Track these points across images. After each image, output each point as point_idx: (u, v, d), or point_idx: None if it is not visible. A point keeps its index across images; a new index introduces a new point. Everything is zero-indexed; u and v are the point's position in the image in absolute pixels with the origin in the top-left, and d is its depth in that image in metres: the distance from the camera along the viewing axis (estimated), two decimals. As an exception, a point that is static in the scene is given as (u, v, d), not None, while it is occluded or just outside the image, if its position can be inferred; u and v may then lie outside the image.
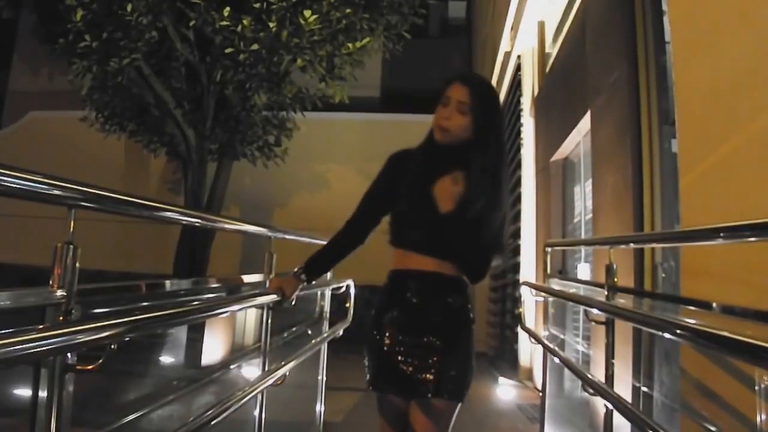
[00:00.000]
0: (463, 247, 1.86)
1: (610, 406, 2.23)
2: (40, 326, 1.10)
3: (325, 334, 3.51)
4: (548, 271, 3.80)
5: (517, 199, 7.29)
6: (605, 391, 2.21)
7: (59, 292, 1.18)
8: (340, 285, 3.53)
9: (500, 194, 1.88)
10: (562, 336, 4.66)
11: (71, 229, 1.22)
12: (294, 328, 4.38)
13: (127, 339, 1.22)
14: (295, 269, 2.05)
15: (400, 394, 1.88)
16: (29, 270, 5.11)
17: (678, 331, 1.50)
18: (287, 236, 2.93)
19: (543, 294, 3.76)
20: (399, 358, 1.85)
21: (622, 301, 2.57)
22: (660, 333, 1.75)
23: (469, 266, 1.91)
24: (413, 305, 1.88)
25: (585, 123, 4.52)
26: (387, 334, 1.89)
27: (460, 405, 1.87)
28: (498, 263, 1.95)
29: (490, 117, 1.87)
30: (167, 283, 2.18)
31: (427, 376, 1.81)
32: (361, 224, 2.03)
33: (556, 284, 3.75)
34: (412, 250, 1.90)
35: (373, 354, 1.93)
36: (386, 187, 1.97)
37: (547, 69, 6.49)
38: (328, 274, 3.45)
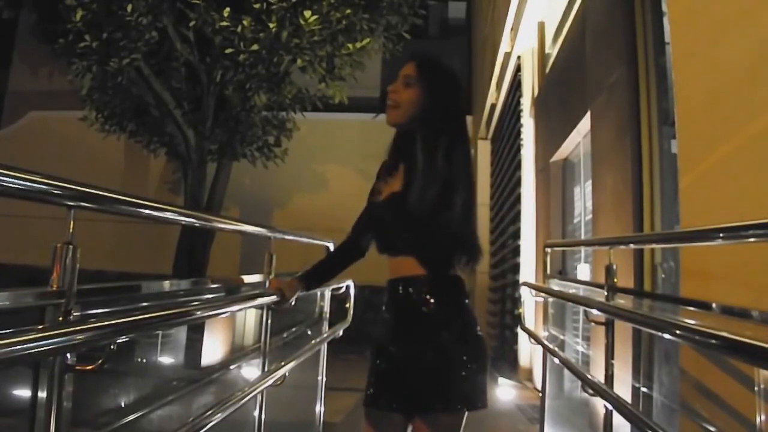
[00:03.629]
0: (429, 240, 1.74)
1: (610, 407, 2.22)
2: (40, 326, 1.10)
3: (325, 335, 3.51)
4: (548, 271, 3.79)
5: (517, 200, 7.29)
6: (605, 391, 2.21)
7: (59, 293, 1.18)
8: (340, 285, 3.53)
9: (455, 172, 1.73)
10: (561, 336, 4.66)
11: (71, 229, 1.21)
12: (294, 329, 4.38)
13: (127, 339, 1.22)
14: (298, 274, 2.03)
15: (403, 412, 1.75)
16: (29, 270, 5.11)
17: (677, 332, 1.49)
18: (287, 237, 2.92)
19: (543, 294, 3.76)
20: (402, 372, 1.74)
21: (622, 301, 2.57)
22: (659, 333, 1.74)
23: (434, 258, 1.78)
24: (401, 314, 1.79)
25: (585, 123, 4.52)
26: (387, 347, 1.80)
27: (466, 414, 1.74)
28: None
29: (436, 89, 1.79)
30: (167, 283, 2.18)
31: (435, 387, 1.70)
32: (358, 240, 1.99)
33: (555, 285, 3.74)
34: (392, 255, 1.82)
35: (375, 369, 1.82)
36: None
37: (547, 69, 6.49)
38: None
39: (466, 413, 1.73)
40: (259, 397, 2.37)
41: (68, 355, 1.19)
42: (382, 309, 1.87)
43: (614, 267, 2.51)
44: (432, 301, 1.76)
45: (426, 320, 1.75)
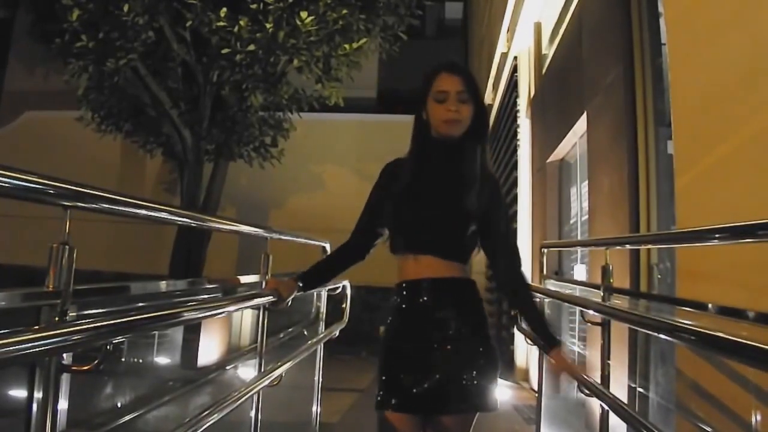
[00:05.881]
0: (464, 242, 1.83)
1: (606, 407, 2.23)
2: (36, 327, 1.10)
3: (322, 335, 3.51)
4: (544, 272, 3.80)
5: (514, 201, 7.30)
6: (601, 391, 2.21)
7: (55, 293, 1.18)
8: (336, 286, 3.52)
9: (495, 177, 1.94)
10: (558, 337, 4.65)
11: (67, 230, 1.21)
12: (290, 329, 4.38)
13: (123, 340, 1.22)
14: (295, 274, 2.02)
15: (418, 412, 1.75)
16: (25, 270, 5.09)
17: (674, 332, 1.50)
18: (283, 237, 2.92)
19: (539, 295, 3.76)
20: (418, 373, 1.74)
21: (618, 302, 2.57)
22: (656, 334, 1.75)
23: (496, 261, 1.87)
24: (426, 314, 1.78)
25: (581, 124, 4.53)
26: (401, 348, 1.79)
27: (477, 414, 1.76)
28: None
29: (480, 101, 1.89)
30: (163, 283, 2.17)
31: (452, 388, 1.72)
32: (360, 241, 1.98)
33: (552, 285, 3.75)
34: (423, 253, 1.81)
35: (386, 371, 1.81)
36: (381, 200, 1.93)
37: (544, 70, 6.50)
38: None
39: (477, 414, 1.77)
40: (255, 398, 2.37)
41: (64, 355, 1.19)
42: (395, 309, 1.86)
43: (610, 267, 2.51)
44: (450, 303, 1.79)
45: (444, 322, 1.77)
